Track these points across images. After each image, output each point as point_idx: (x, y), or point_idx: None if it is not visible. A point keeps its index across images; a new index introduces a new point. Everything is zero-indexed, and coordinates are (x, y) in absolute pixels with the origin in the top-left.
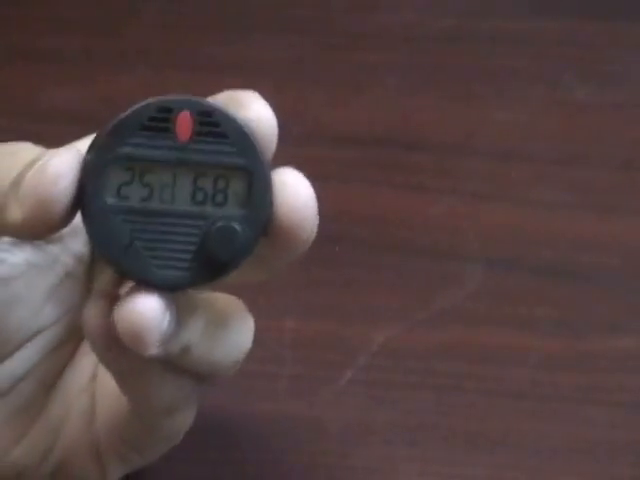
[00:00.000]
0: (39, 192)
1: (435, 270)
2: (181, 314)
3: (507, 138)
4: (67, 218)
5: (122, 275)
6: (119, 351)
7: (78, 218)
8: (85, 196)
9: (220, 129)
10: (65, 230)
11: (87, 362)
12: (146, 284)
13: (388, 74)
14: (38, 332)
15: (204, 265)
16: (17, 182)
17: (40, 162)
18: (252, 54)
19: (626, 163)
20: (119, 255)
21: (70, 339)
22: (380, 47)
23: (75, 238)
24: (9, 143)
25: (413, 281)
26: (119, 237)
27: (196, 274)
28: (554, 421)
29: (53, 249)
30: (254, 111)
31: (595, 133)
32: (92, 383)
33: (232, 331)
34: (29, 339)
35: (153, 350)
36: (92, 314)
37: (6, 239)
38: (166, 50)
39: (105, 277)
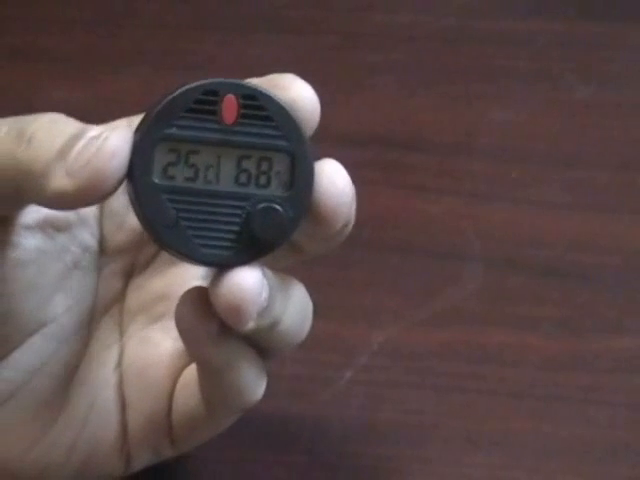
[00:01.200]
0: (95, 166)
1: (435, 270)
2: (271, 289)
3: (507, 138)
4: (114, 192)
5: (166, 251)
6: (217, 341)
7: (85, 209)
8: (133, 174)
9: (265, 112)
10: (73, 220)
11: (106, 356)
12: (190, 261)
13: (388, 74)
14: (47, 322)
15: (246, 245)
16: (64, 152)
17: (92, 134)
18: (252, 54)
19: (626, 163)
20: (164, 233)
21: (79, 332)
22: (380, 47)
23: (83, 229)
24: (43, 113)
25: (413, 281)
26: (165, 215)
27: (238, 253)
28: (554, 421)
29: (62, 238)
30: (295, 91)
31: (595, 133)
32: (114, 377)
33: (306, 311)
34: (39, 329)
35: (251, 323)
36: (186, 308)
37: (20, 222)
38: (166, 50)
39: (113, 268)
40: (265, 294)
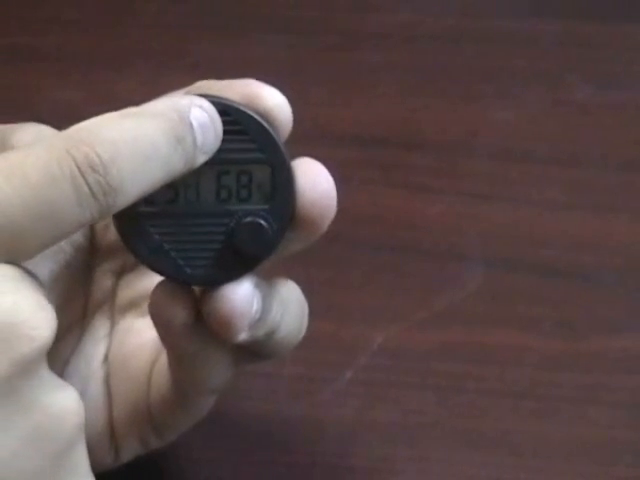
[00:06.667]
0: None
1: (435, 270)
2: (266, 299)
3: (507, 138)
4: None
5: (155, 274)
6: (189, 330)
7: None
8: None
9: (239, 126)
10: None
11: (95, 350)
12: (176, 282)
13: (388, 74)
14: None
15: (231, 261)
16: None
17: None
18: (252, 54)
19: (626, 163)
20: (149, 257)
21: (72, 329)
22: (380, 47)
23: None
24: (26, 125)
25: (413, 281)
26: (148, 241)
27: (224, 271)
28: (554, 421)
29: None
30: (270, 100)
31: (595, 133)
32: (101, 369)
33: (303, 314)
34: None
35: (242, 336)
36: (160, 298)
37: None
38: (166, 50)
39: (104, 267)
40: (257, 306)
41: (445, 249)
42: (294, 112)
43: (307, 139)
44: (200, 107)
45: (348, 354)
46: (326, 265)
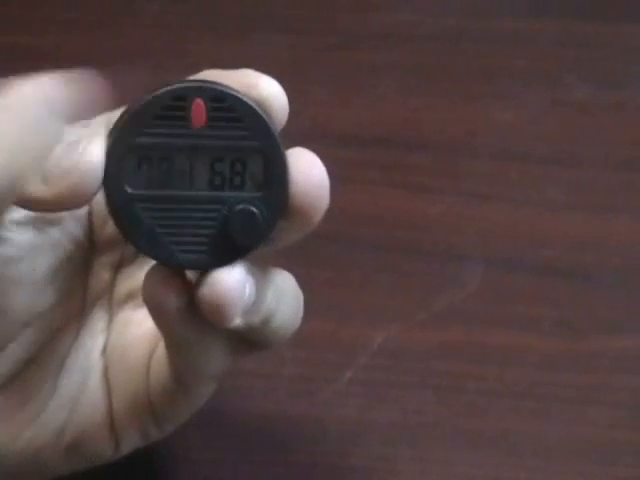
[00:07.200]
0: (75, 177)
1: (435, 270)
2: (260, 286)
3: (507, 138)
4: (91, 200)
5: (148, 257)
6: (184, 316)
7: None
8: (107, 185)
9: (234, 114)
10: (65, 215)
11: (94, 343)
12: (169, 267)
13: (388, 74)
14: (40, 315)
15: (224, 248)
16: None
17: (70, 139)
18: (252, 54)
19: (626, 163)
20: (141, 241)
21: (71, 322)
22: (380, 47)
23: (74, 223)
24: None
25: (413, 281)
26: (141, 224)
27: (216, 257)
28: (554, 421)
29: (54, 232)
30: (266, 89)
31: (595, 133)
32: (100, 361)
33: (298, 303)
34: (31, 322)
35: (236, 322)
36: (153, 282)
37: (10, 219)
38: (166, 50)
39: (103, 260)
40: (249, 291)
41: (445, 249)
42: (294, 112)
43: (307, 139)
44: (41, 84)
45: (348, 354)
46: (326, 265)
